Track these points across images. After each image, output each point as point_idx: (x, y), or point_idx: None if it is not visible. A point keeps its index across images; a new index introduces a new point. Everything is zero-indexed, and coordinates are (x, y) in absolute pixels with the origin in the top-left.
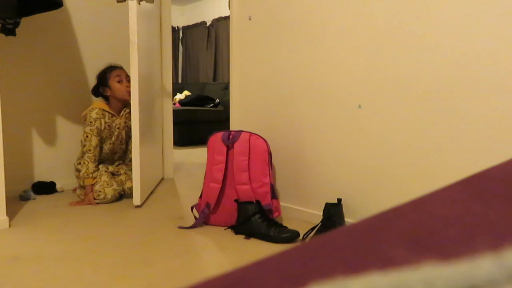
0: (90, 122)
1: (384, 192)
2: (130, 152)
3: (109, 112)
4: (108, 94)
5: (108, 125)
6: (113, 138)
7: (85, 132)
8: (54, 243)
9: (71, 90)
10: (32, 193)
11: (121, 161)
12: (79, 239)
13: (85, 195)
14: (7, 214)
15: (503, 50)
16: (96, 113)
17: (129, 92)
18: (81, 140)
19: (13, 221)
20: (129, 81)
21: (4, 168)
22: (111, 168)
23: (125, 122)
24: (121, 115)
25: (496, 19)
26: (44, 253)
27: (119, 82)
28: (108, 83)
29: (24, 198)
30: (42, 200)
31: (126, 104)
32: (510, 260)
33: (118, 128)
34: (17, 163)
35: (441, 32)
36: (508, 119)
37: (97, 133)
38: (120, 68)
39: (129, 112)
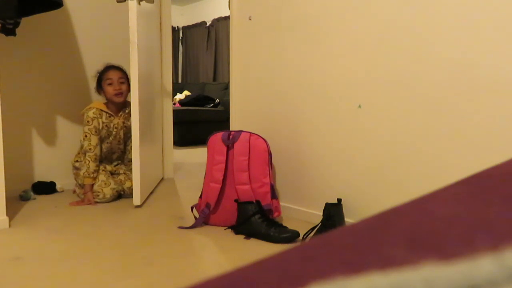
0: (88, 121)
1: (384, 192)
2: (129, 152)
3: (106, 112)
4: (103, 95)
5: (106, 125)
6: (110, 138)
7: (84, 132)
8: (54, 243)
9: (71, 90)
10: (32, 193)
11: (120, 161)
12: (79, 239)
13: (84, 194)
14: (7, 214)
15: (504, 50)
16: (93, 112)
17: (116, 95)
18: (81, 140)
19: (13, 221)
20: (122, 82)
21: (4, 168)
22: (109, 168)
23: (123, 122)
24: (119, 115)
25: (496, 18)
26: (44, 253)
27: (109, 84)
28: (101, 84)
29: (24, 198)
30: (42, 200)
31: (126, 104)
32: (510, 260)
33: (116, 128)
34: (17, 163)
35: (442, 32)
36: (508, 119)
37: (96, 132)
38: (116, 68)
39: (128, 113)
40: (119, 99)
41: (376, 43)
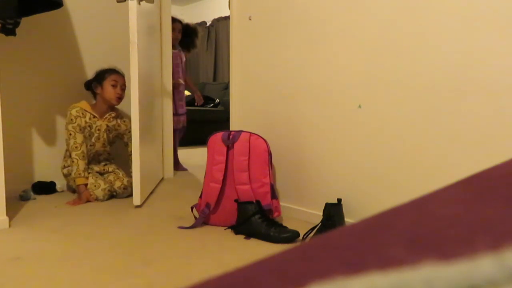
0: (71, 119)
1: (384, 192)
2: (129, 145)
3: (90, 113)
4: (98, 92)
5: (89, 126)
6: (92, 140)
7: (68, 130)
8: (54, 243)
9: (71, 90)
10: (32, 193)
11: (107, 161)
12: (79, 239)
13: (79, 193)
14: (7, 214)
15: (504, 50)
16: (76, 111)
17: (118, 99)
18: (66, 139)
19: (13, 221)
20: (123, 89)
21: (4, 168)
22: (96, 168)
23: (107, 125)
24: (104, 117)
25: (497, 18)
26: (44, 253)
27: (113, 86)
28: (102, 82)
29: (24, 198)
30: (42, 200)
31: (113, 108)
32: (510, 260)
33: (98, 130)
34: (17, 163)
35: (442, 31)
36: (508, 119)
37: (80, 130)
38: (121, 75)
39: (114, 117)
40: (117, 103)
41: (376, 43)
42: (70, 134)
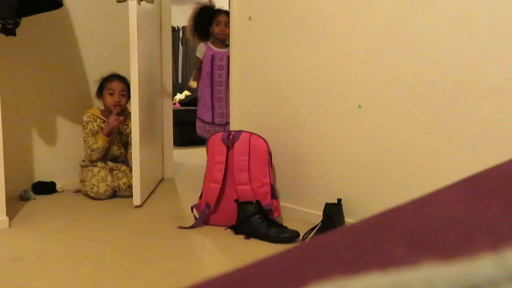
0: (83, 126)
1: (384, 192)
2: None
3: (100, 118)
4: (101, 101)
5: (101, 129)
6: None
7: (83, 137)
8: (54, 243)
9: (71, 90)
10: (32, 193)
11: (123, 163)
12: (79, 239)
13: (107, 124)
14: (7, 214)
15: (505, 50)
16: (87, 117)
17: (115, 106)
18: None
19: (13, 221)
20: (123, 95)
21: (4, 168)
22: (111, 164)
23: (118, 128)
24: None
25: (498, 19)
26: (44, 253)
27: (110, 94)
28: (102, 91)
29: (24, 198)
30: (42, 200)
31: (121, 112)
32: (510, 260)
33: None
34: (17, 163)
35: (442, 32)
36: (508, 120)
37: (92, 134)
38: (120, 80)
39: (124, 118)
40: (116, 110)
41: (376, 44)
42: (84, 140)
